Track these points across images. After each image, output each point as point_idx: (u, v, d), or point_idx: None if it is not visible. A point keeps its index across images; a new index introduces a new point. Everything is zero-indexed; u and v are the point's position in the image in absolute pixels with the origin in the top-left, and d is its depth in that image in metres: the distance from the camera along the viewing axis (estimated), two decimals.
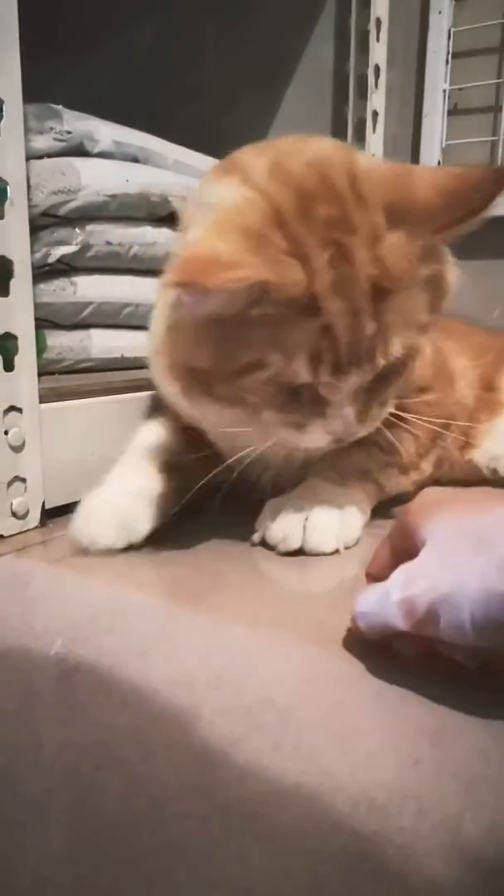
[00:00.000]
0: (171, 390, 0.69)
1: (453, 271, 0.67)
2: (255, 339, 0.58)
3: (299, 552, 0.67)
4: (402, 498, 0.83)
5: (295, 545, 0.67)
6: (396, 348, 0.60)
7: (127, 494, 0.69)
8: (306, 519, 0.68)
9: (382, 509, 0.80)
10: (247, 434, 0.66)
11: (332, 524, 0.68)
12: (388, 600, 0.43)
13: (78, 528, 0.67)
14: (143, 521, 0.68)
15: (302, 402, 0.62)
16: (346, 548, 0.69)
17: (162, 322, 0.66)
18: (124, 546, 0.67)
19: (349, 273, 0.56)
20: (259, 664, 0.48)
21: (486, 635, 0.38)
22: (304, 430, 0.63)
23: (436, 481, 0.91)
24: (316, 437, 0.64)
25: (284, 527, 0.68)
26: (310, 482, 0.74)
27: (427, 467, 0.86)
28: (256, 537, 0.70)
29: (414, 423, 0.76)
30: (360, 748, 0.39)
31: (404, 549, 0.47)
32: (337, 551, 0.68)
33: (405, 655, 0.45)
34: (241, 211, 0.59)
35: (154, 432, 0.78)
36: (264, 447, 0.66)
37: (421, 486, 0.86)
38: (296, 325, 0.57)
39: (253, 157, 0.64)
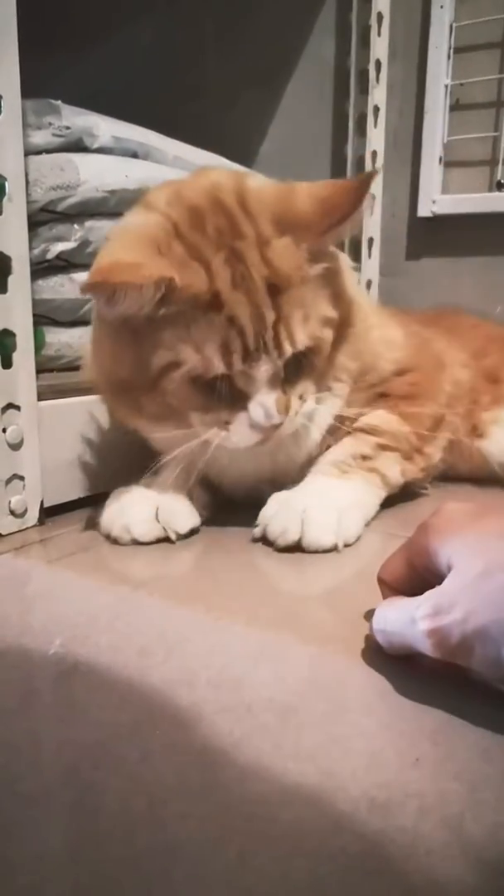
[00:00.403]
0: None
1: (351, 274, 0.74)
2: (167, 340, 0.63)
3: (298, 548, 0.67)
4: (407, 497, 0.83)
5: (293, 538, 0.67)
6: (301, 337, 0.65)
7: (167, 492, 0.73)
8: (304, 512, 0.68)
9: (392, 502, 0.80)
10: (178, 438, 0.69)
11: (329, 520, 0.68)
12: (416, 627, 0.42)
13: (111, 518, 0.71)
14: (183, 520, 0.72)
15: (222, 399, 0.65)
16: (346, 545, 0.69)
17: (88, 340, 0.72)
18: (155, 540, 0.70)
19: (244, 271, 0.63)
20: (259, 663, 0.48)
21: None
22: (229, 428, 0.66)
23: (443, 473, 0.91)
24: (242, 433, 0.66)
25: (283, 521, 0.68)
26: (312, 477, 0.74)
27: (434, 452, 0.86)
28: (258, 531, 0.70)
29: (408, 406, 0.80)
30: (360, 748, 0.39)
31: (423, 566, 0.46)
32: (335, 547, 0.67)
33: (427, 665, 0.45)
34: (143, 228, 0.65)
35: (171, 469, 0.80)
36: (192, 447, 0.68)
37: (430, 474, 0.87)
38: (203, 320, 0.62)
39: (157, 191, 0.71)
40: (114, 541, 0.70)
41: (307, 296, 0.65)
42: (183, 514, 0.72)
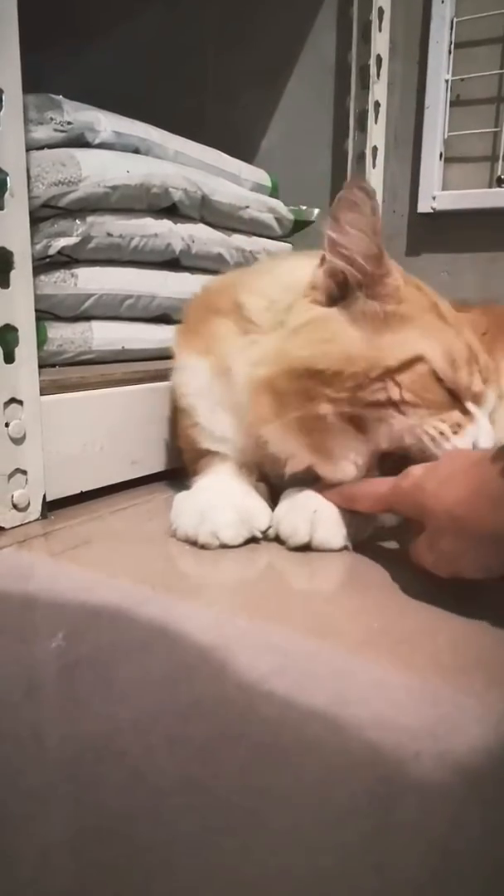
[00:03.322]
0: (257, 412, 0.69)
1: None
2: (412, 337, 0.66)
3: (307, 547, 0.67)
4: None
5: (303, 539, 0.67)
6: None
7: (238, 492, 0.72)
8: (315, 513, 0.68)
9: None
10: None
11: (339, 520, 0.68)
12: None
13: (193, 524, 0.68)
14: (263, 517, 0.70)
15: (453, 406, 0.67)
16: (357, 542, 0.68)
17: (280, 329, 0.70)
18: (244, 542, 0.68)
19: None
20: (260, 657, 0.48)
21: None
22: (457, 431, 0.66)
23: None
24: (464, 442, 0.66)
25: (294, 521, 0.68)
26: None
27: None
28: (271, 531, 0.70)
29: None
30: (360, 741, 0.39)
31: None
32: (345, 548, 0.67)
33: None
34: None
35: (225, 465, 0.78)
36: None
37: None
38: (446, 333, 0.67)
39: None
40: (201, 547, 0.68)
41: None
42: (261, 510, 0.71)
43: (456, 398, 0.67)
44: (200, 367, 0.78)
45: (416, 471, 0.60)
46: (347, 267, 0.66)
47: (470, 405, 0.68)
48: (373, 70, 1.33)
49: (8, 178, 0.67)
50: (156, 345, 1.00)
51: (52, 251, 0.87)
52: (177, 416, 0.84)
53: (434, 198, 1.34)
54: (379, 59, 1.33)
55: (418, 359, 0.65)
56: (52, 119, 0.88)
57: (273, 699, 0.43)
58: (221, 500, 0.70)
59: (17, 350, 0.69)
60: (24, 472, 0.72)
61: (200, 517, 0.68)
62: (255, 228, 1.21)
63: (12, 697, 0.44)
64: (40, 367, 0.73)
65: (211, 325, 0.78)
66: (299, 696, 0.43)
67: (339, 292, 0.67)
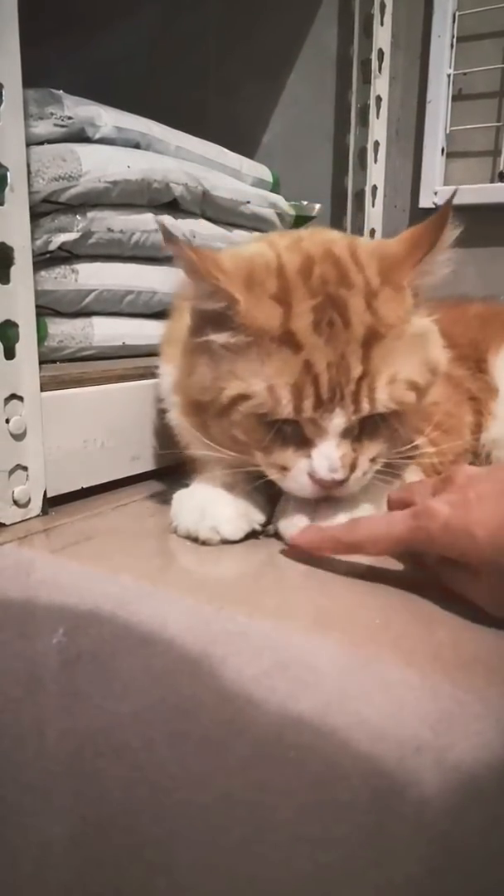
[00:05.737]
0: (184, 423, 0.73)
1: (439, 342, 0.70)
2: (241, 370, 0.62)
3: None
4: None
5: None
6: (383, 397, 0.62)
7: (237, 487, 0.71)
8: (314, 511, 0.68)
9: None
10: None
11: (339, 521, 0.67)
12: None
13: (193, 520, 0.68)
14: (260, 510, 0.70)
15: (287, 441, 0.63)
16: None
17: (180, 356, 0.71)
18: (244, 537, 0.69)
19: (335, 318, 0.61)
20: (261, 653, 0.48)
21: None
22: (287, 474, 0.64)
23: None
24: (300, 482, 0.64)
25: (295, 521, 0.67)
26: None
27: None
28: (271, 529, 0.70)
29: (438, 436, 0.77)
30: (361, 736, 0.39)
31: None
32: None
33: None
34: (252, 257, 0.66)
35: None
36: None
37: None
38: (277, 357, 0.61)
39: (281, 235, 0.77)
40: (202, 543, 0.68)
41: (399, 354, 0.63)
42: (260, 504, 0.71)
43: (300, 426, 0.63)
44: (167, 375, 0.78)
45: (440, 508, 0.53)
46: (197, 309, 0.65)
47: (310, 433, 0.62)
48: (374, 64, 1.33)
49: (8, 174, 0.66)
50: (157, 341, 1.00)
51: (52, 246, 0.87)
52: None
53: (436, 193, 1.34)
54: (381, 54, 1.33)
55: (241, 397, 0.62)
56: (52, 114, 0.88)
57: (274, 694, 0.43)
58: (220, 496, 0.70)
59: (17, 346, 0.69)
60: (25, 469, 0.72)
61: (200, 514, 0.68)
62: (256, 224, 1.20)
63: (13, 693, 0.44)
64: (41, 363, 0.73)
65: (177, 322, 0.79)
66: (300, 691, 0.44)
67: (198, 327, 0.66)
